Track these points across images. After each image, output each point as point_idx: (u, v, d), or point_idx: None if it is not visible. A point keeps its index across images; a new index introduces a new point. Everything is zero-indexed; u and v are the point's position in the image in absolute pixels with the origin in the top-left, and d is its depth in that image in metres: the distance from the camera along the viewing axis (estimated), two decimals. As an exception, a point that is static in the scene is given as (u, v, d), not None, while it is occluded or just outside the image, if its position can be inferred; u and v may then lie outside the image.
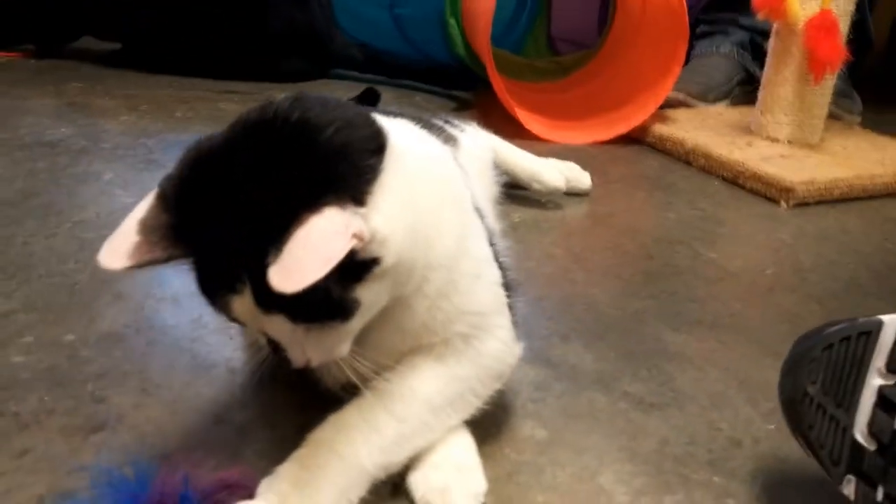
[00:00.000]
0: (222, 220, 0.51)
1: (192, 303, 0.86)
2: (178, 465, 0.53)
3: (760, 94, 1.64)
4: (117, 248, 0.51)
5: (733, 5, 2.04)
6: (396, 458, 0.59)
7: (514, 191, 1.27)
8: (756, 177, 1.40)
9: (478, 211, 0.71)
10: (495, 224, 0.85)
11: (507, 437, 0.68)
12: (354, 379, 0.59)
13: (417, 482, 0.59)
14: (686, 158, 1.57)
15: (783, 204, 1.34)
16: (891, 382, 0.55)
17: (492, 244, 0.69)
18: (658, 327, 0.89)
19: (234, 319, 0.56)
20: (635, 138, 1.70)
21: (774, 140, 1.60)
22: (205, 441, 0.64)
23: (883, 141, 1.72)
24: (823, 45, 1.48)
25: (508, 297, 0.68)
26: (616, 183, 1.45)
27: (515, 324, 0.68)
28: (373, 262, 0.52)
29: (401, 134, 0.60)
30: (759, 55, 1.90)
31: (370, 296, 0.54)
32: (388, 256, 0.53)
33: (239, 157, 0.52)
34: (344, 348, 0.57)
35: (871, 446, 0.55)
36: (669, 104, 1.84)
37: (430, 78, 2.08)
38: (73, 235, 1.01)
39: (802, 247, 1.18)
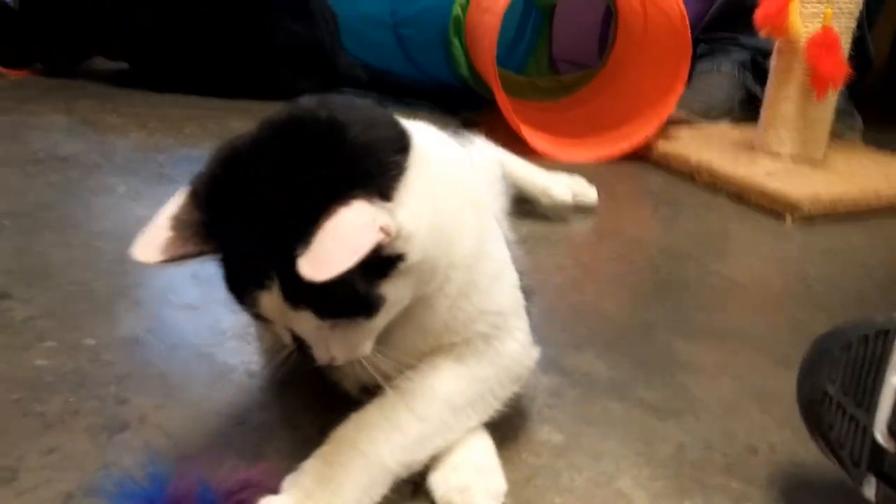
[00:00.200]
0: (252, 217, 0.52)
1: (208, 310, 0.87)
2: (197, 465, 0.54)
3: (763, 111, 1.67)
4: (150, 243, 0.52)
5: (734, 25, 2.07)
6: (417, 457, 0.59)
7: (522, 205, 1.28)
8: (761, 192, 1.41)
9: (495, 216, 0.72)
10: (509, 233, 0.86)
11: (524, 441, 0.69)
12: (377, 377, 0.59)
13: (438, 482, 0.60)
14: (690, 175, 1.59)
15: (788, 219, 1.36)
16: (909, 381, 0.56)
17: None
18: (669, 337, 0.90)
19: (259, 317, 0.57)
20: (639, 156, 1.72)
21: (778, 156, 1.62)
22: (227, 441, 0.65)
23: (886, 158, 1.74)
24: (825, 62, 1.50)
25: (525, 302, 0.69)
26: (621, 199, 1.47)
27: (531, 329, 0.69)
28: (398, 259, 0.53)
29: (423, 136, 0.61)
30: (760, 74, 1.93)
31: (395, 292, 0.55)
32: (413, 253, 0.54)
33: (268, 154, 0.54)
34: (367, 346, 0.58)
35: (891, 447, 0.55)
36: (671, 122, 1.86)
37: (433, 98, 2.10)
38: (89, 245, 1.02)
39: (808, 260, 1.20)
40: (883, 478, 0.55)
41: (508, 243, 0.76)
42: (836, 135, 1.81)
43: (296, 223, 0.49)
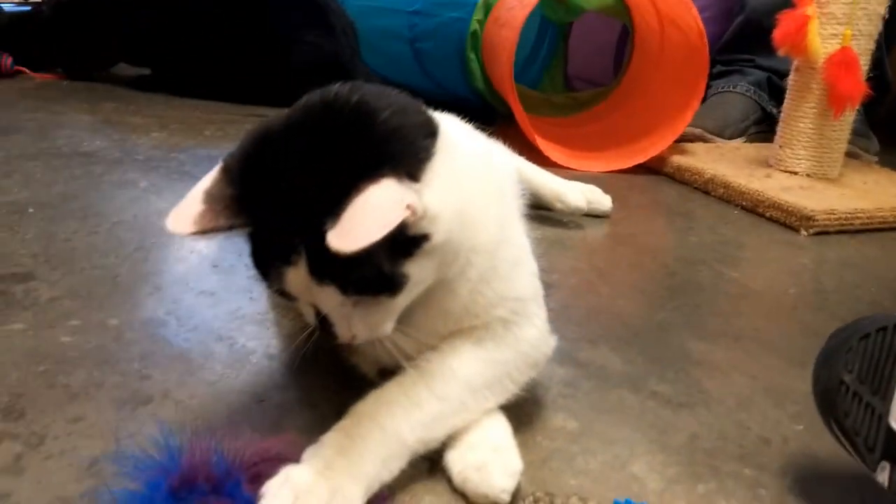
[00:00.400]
0: (282, 193, 0.53)
1: (228, 297, 0.88)
2: (216, 438, 0.55)
3: (779, 129, 1.68)
4: (183, 215, 0.53)
5: (751, 47, 2.08)
6: (435, 435, 0.60)
7: (537, 211, 1.29)
8: (776, 205, 1.42)
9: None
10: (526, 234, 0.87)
11: (539, 426, 0.69)
12: (397, 356, 0.60)
13: (455, 460, 0.61)
14: (705, 188, 1.59)
15: (803, 232, 1.36)
16: (924, 372, 0.56)
17: None
18: (683, 336, 0.91)
19: (282, 293, 0.58)
20: (653, 169, 1.74)
21: (793, 173, 1.63)
22: (247, 417, 0.66)
23: (902, 178, 1.74)
24: (844, 81, 1.51)
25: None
26: (635, 209, 1.48)
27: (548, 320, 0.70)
28: (423, 239, 0.55)
29: (450, 126, 0.63)
30: (777, 94, 1.94)
31: (418, 272, 0.56)
32: (438, 234, 0.55)
33: (299, 135, 0.55)
34: (388, 326, 0.59)
35: (904, 433, 0.56)
36: (686, 139, 1.88)
37: (449, 111, 2.12)
38: (112, 234, 1.04)
39: (824, 271, 1.20)
40: (897, 463, 0.56)
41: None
42: (852, 156, 1.82)
43: (325, 200, 0.50)
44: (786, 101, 1.66)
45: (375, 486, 0.56)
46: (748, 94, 2.07)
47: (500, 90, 1.90)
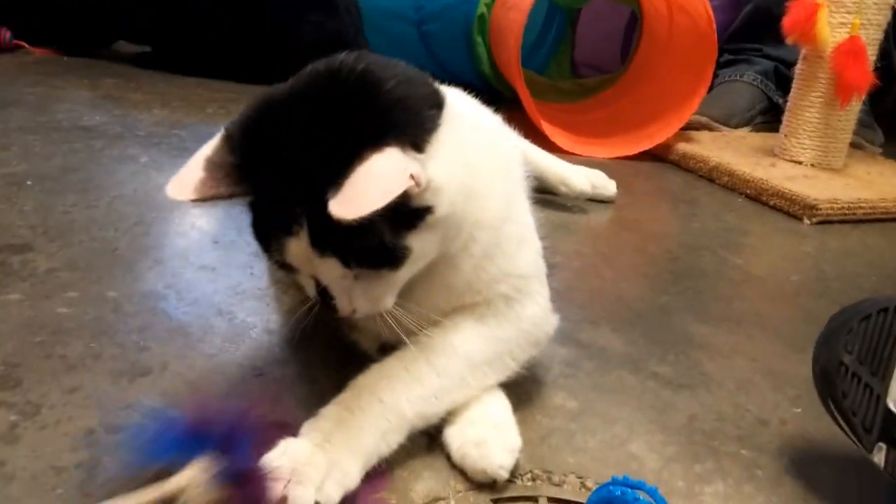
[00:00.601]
0: (284, 162, 0.53)
1: (228, 272, 0.88)
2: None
3: (785, 118, 1.67)
4: (184, 182, 0.53)
5: (759, 35, 2.07)
6: (434, 410, 0.60)
7: (541, 195, 1.28)
8: (780, 194, 1.41)
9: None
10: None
11: (539, 405, 0.69)
12: (398, 331, 0.60)
13: (454, 436, 0.60)
14: (709, 176, 1.59)
15: (806, 220, 1.36)
16: (925, 355, 0.56)
17: None
18: (685, 319, 0.90)
19: (283, 266, 0.57)
20: (658, 156, 1.73)
21: (798, 163, 1.62)
22: (246, 390, 0.66)
23: (906, 169, 1.73)
24: (851, 70, 1.50)
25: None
26: (640, 195, 1.47)
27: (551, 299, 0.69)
28: (426, 211, 0.54)
29: (458, 100, 0.62)
30: (783, 84, 1.93)
31: (420, 245, 0.56)
32: (441, 206, 0.55)
33: (303, 103, 0.55)
34: (389, 300, 0.59)
35: (903, 415, 0.56)
36: (692, 127, 1.87)
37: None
38: (112, 208, 1.03)
39: (826, 259, 1.20)
40: (893, 444, 0.56)
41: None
42: (857, 147, 1.81)
43: (328, 168, 0.50)
44: (792, 90, 1.65)
45: (374, 460, 0.56)
46: (755, 83, 2.06)
47: (506, 74, 1.89)
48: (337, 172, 0.49)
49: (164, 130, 1.46)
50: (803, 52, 1.61)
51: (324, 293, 0.58)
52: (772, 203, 1.43)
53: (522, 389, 0.70)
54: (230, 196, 0.54)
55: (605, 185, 1.34)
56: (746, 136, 1.92)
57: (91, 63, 2.13)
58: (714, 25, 1.66)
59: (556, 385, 0.73)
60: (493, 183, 0.63)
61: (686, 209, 1.41)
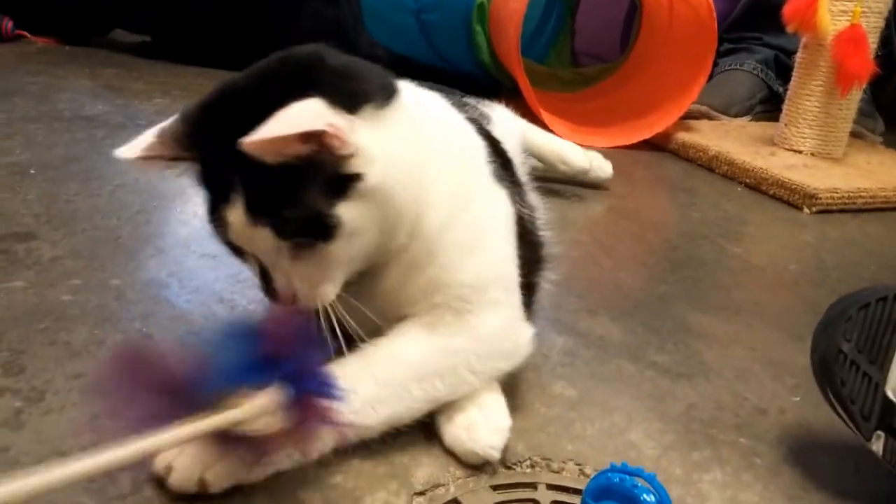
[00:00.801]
0: (223, 127, 0.53)
1: (230, 260, 0.86)
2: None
3: (785, 107, 1.67)
4: (133, 146, 0.56)
5: (759, 24, 2.07)
6: (369, 421, 0.57)
7: (538, 184, 1.28)
8: (779, 183, 1.41)
9: (518, 184, 0.72)
10: (535, 198, 0.87)
11: (538, 393, 0.69)
12: (346, 325, 0.58)
13: (443, 422, 0.60)
14: (709, 165, 1.59)
15: (806, 210, 1.36)
16: (922, 343, 0.56)
17: (524, 218, 0.70)
18: (684, 309, 0.91)
19: (232, 248, 0.58)
20: (658, 145, 1.73)
21: (798, 152, 1.62)
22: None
23: (906, 158, 1.74)
24: (852, 59, 1.50)
25: (530, 273, 0.68)
26: (639, 184, 1.47)
27: (532, 303, 0.68)
28: (356, 178, 0.54)
29: (424, 98, 0.64)
30: (784, 73, 1.93)
31: (352, 218, 0.54)
32: (373, 177, 0.54)
33: (252, 80, 0.57)
34: (329, 288, 0.57)
35: (900, 403, 0.56)
36: (692, 116, 1.87)
37: (453, 83, 2.10)
38: (114, 197, 1.04)
39: (825, 248, 1.20)
40: (892, 432, 0.56)
41: (535, 209, 0.76)
42: (857, 136, 1.81)
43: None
44: (793, 78, 1.65)
45: None
46: (755, 72, 2.05)
47: (506, 64, 1.89)
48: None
49: (165, 119, 1.45)
50: (804, 40, 1.61)
51: (266, 277, 0.57)
52: (771, 192, 1.43)
53: (522, 378, 0.71)
54: (173, 158, 0.56)
55: (602, 165, 1.34)
56: (746, 126, 1.92)
57: (92, 53, 2.13)
58: (714, 14, 1.66)
59: (554, 374, 0.73)
60: (438, 189, 0.61)
61: (685, 198, 1.41)
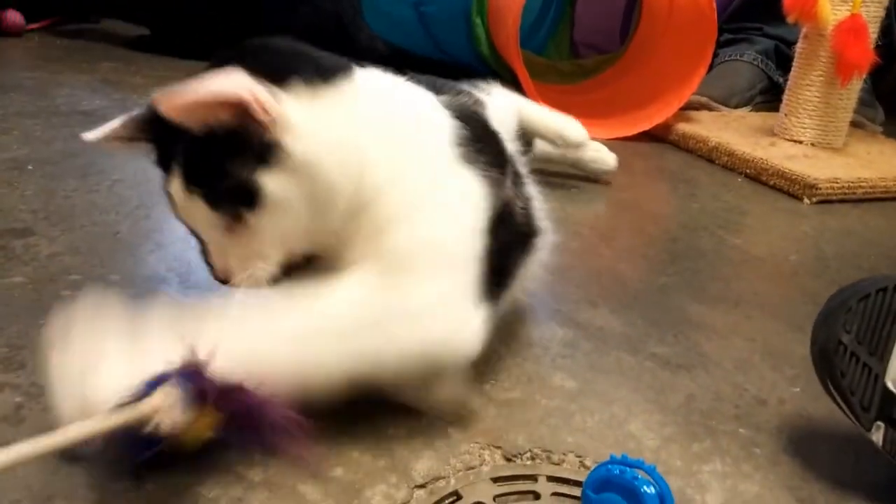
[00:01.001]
0: None
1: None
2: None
3: (785, 97, 1.66)
4: (100, 129, 0.60)
5: (758, 15, 2.06)
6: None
7: (538, 175, 1.28)
8: (779, 173, 1.41)
9: (507, 171, 0.72)
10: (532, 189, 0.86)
11: (538, 385, 0.69)
12: None
13: None
14: (709, 156, 1.59)
15: (806, 200, 1.36)
16: (923, 333, 0.56)
17: (511, 204, 0.68)
18: (683, 300, 0.91)
19: (189, 229, 0.61)
20: (658, 136, 1.73)
21: (798, 142, 1.62)
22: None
23: (907, 148, 1.73)
24: (852, 48, 1.50)
25: (508, 262, 0.66)
26: (639, 175, 1.47)
27: (501, 293, 0.65)
28: (277, 147, 0.55)
29: (389, 88, 0.66)
30: (784, 64, 1.92)
31: (276, 188, 0.55)
32: (296, 148, 0.55)
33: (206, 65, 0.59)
34: (261, 266, 0.58)
35: (901, 393, 0.56)
36: (692, 107, 1.86)
37: (452, 74, 2.10)
38: (113, 192, 1.04)
39: (825, 239, 1.20)
40: (891, 423, 0.56)
41: (527, 198, 0.76)
42: (858, 126, 1.81)
43: None
44: (793, 68, 1.65)
45: None
46: (755, 62, 2.05)
47: (504, 55, 1.88)
48: None
49: (163, 114, 1.46)
50: (804, 30, 1.61)
51: (207, 256, 0.61)
52: (771, 183, 1.43)
53: (521, 370, 0.71)
54: (132, 139, 0.60)
55: (605, 157, 1.33)
56: (746, 116, 1.91)
57: (90, 47, 2.13)
58: (714, 5, 1.66)
59: (554, 365, 0.73)
60: (380, 172, 0.59)
61: (685, 189, 1.41)
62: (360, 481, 0.55)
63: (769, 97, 2.02)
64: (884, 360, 0.57)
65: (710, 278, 0.99)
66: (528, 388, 0.69)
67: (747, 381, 0.74)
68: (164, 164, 0.58)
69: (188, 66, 1.95)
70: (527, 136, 1.20)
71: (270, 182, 0.55)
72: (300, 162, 0.56)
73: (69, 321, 0.51)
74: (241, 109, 0.53)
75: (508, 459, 0.59)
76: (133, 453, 0.51)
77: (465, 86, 1.00)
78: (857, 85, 1.60)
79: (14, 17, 2.11)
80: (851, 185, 1.39)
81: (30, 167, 1.09)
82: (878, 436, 0.57)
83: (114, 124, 0.60)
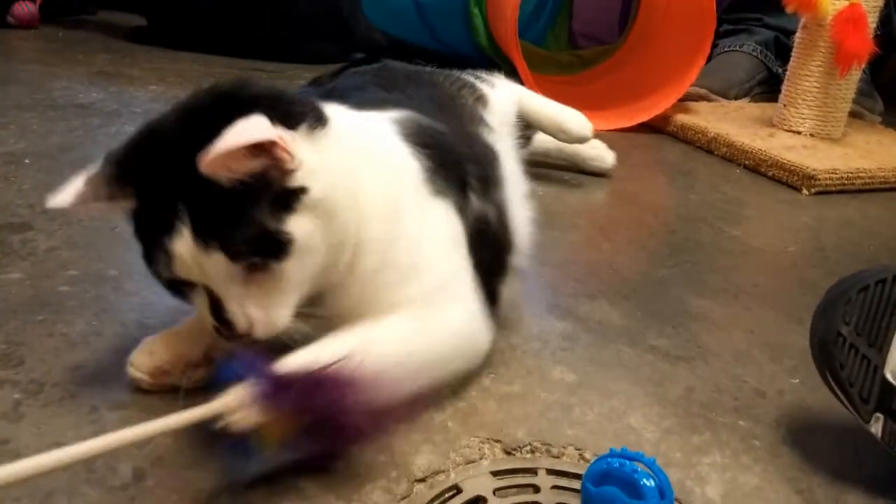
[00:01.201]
0: (162, 160, 0.53)
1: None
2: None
3: (784, 87, 1.66)
4: (64, 193, 0.55)
5: (758, 5, 2.05)
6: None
7: (538, 169, 1.28)
8: (778, 164, 1.41)
9: (488, 180, 0.72)
10: (521, 189, 0.86)
11: (538, 378, 0.70)
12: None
13: None
14: (708, 147, 1.58)
15: (804, 191, 1.36)
16: (922, 325, 0.56)
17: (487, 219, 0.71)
18: (682, 292, 0.91)
19: (174, 286, 0.57)
20: (656, 128, 1.72)
21: (797, 133, 1.61)
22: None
23: (905, 138, 1.73)
24: (851, 38, 1.49)
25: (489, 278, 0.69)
26: (638, 167, 1.47)
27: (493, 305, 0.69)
28: (302, 191, 0.54)
29: (357, 124, 0.65)
30: (783, 54, 1.92)
31: (304, 231, 0.54)
32: (317, 189, 0.55)
33: (181, 113, 0.56)
34: (284, 312, 0.56)
35: (899, 385, 0.56)
36: (691, 98, 1.86)
37: (451, 65, 2.09)
38: (110, 186, 1.03)
39: (824, 229, 1.20)
40: (890, 414, 0.56)
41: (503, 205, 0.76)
42: (856, 116, 1.80)
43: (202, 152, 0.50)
44: (792, 59, 1.64)
45: None
46: (754, 53, 2.04)
47: (503, 46, 1.88)
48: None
49: (160, 107, 1.43)
50: (803, 20, 1.60)
51: (219, 312, 0.55)
52: (770, 174, 1.43)
53: (521, 364, 0.71)
54: (110, 199, 0.54)
55: (604, 155, 1.33)
56: (745, 107, 1.91)
57: (86, 39, 2.12)
58: (713, -7, 1.65)
59: (554, 358, 0.73)
60: (374, 205, 0.61)
61: (684, 181, 1.41)
62: (359, 476, 0.55)
63: (768, 88, 2.02)
64: (883, 352, 0.57)
65: (709, 270, 0.99)
66: (528, 381, 0.69)
67: (746, 372, 0.74)
68: (156, 221, 0.54)
69: (185, 57, 1.95)
70: (525, 130, 1.19)
71: (297, 226, 0.54)
72: (321, 202, 0.55)
73: None
74: (267, 155, 0.52)
75: (508, 453, 0.59)
76: (235, 464, 0.52)
77: (468, 77, 1.00)
78: (855, 75, 1.60)
79: (22, 8, 2.10)
80: (850, 175, 1.39)
81: (27, 161, 1.09)
82: (876, 427, 0.57)
83: (77, 185, 0.55)
